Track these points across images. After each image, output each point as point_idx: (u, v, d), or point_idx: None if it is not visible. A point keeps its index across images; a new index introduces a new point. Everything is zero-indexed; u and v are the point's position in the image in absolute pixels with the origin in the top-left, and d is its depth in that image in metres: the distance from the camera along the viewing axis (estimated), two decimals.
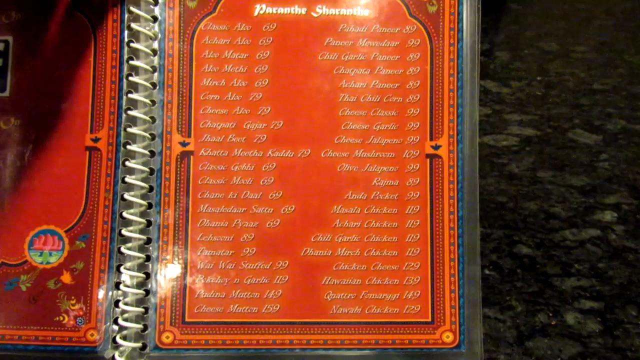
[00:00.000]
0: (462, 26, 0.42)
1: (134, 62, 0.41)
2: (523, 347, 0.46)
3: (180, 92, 0.42)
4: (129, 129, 0.41)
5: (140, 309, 0.40)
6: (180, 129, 0.41)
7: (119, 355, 0.40)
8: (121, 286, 0.40)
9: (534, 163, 0.69)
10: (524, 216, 0.61)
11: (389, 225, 0.42)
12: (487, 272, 0.53)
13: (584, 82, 0.86)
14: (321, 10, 0.42)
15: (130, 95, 0.41)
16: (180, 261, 0.41)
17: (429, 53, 0.42)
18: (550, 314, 0.49)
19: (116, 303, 0.40)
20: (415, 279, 0.42)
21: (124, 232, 0.40)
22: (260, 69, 0.42)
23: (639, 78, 0.87)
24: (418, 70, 0.42)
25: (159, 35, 0.42)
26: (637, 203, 0.63)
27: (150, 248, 0.41)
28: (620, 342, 0.46)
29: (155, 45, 0.42)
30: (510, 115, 0.78)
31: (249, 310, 0.41)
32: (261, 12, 0.42)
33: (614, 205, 0.63)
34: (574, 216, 0.61)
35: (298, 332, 0.41)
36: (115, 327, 0.40)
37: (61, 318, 0.40)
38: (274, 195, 0.42)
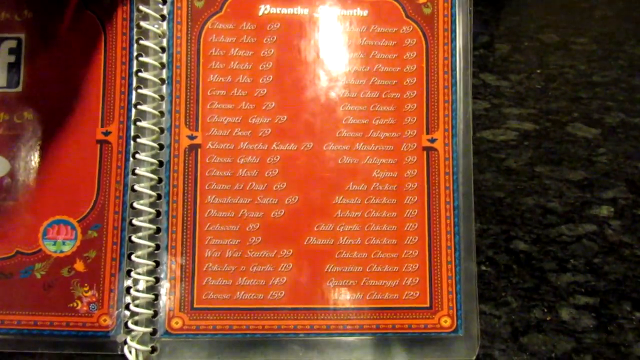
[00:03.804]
0: (456, 27, 0.47)
1: (143, 59, 0.46)
2: (517, 343, 0.48)
3: (188, 88, 0.46)
4: (138, 123, 0.45)
5: (151, 296, 0.44)
6: (188, 123, 0.46)
7: (130, 340, 0.44)
8: (132, 273, 0.44)
9: (531, 158, 0.71)
10: (521, 212, 0.63)
11: (388, 215, 0.46)
12: (483, 268, 0.55)
13: (584, 75, 0.87)
14: (323, 10, 0.47)
15: (139, 91, 0.46)
16: (189, 250, 0.45)
17: (424, 52, 0.47)
18: (545, 310, 0.51)
19: (127, 290, 0.44)
20: (413, 266, 0.46)
21: (134, 221, 0.45)
22: (264, 66, 0.46)
23: (639, 70, 0.92)
24: (414, 68, 0.47)
25: (167, 33, 0.46)
26: (634, 198, 0.65)
27: (160, 237, 0.45)
28: (614, 338, 0.49)
29: (164, 42, 0.46)
30: (509, 109, 0.80)
31: (254, 297, 0.45)
32: (266, 12, 0.46)
33: (611, 200, 0.65)
34: (570, 211, 0.63)
35: (302, 317, 0.45)
36: (127, 313, 0.44)
37: (75, 304, 0.44)
38: (278, 186, 0.46)
